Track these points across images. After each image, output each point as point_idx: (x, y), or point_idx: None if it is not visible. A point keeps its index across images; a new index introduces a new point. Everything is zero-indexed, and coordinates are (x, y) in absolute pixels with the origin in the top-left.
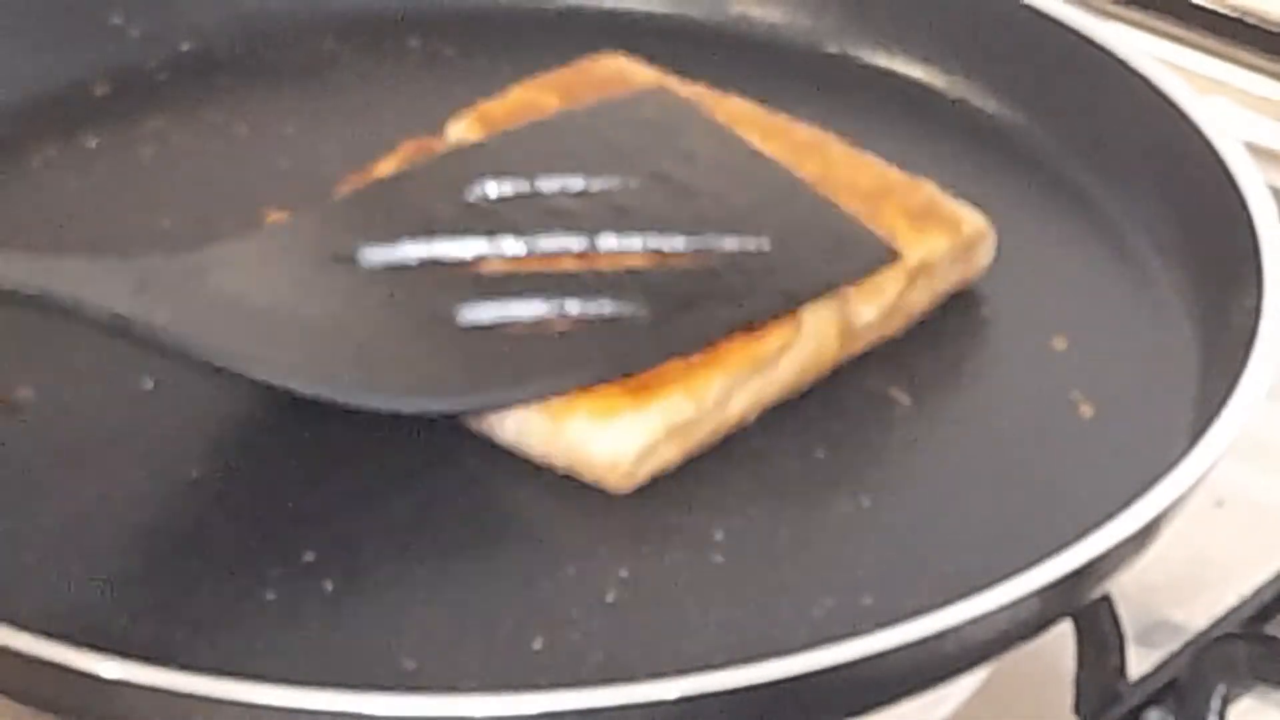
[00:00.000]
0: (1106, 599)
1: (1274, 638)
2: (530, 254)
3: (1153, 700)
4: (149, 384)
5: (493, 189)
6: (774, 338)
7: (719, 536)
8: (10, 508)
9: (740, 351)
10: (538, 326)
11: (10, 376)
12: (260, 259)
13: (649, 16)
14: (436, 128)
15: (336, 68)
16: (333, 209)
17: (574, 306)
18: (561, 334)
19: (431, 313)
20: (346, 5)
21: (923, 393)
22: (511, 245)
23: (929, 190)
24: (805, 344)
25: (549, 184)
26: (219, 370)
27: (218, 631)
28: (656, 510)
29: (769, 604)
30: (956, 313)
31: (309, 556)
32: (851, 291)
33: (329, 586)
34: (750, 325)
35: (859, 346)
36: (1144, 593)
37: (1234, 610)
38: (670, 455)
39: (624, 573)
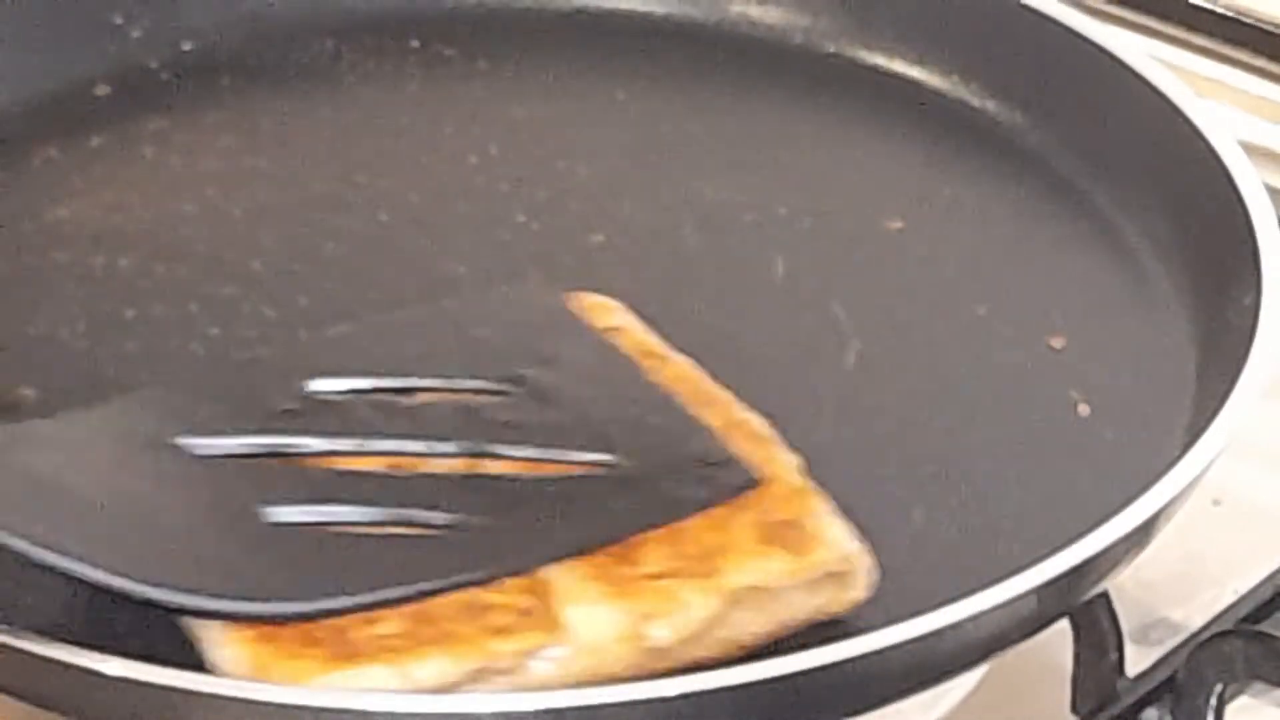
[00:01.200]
0: (1104, 597)
1: (1271, 635)
2: (365, 454)
3: (1150, 698)
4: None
5: (337, 384)
6: (517, 638)
7: None
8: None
9: (471, 641)
10: (372, 531)
11: (10, 376)
12: (78, 438)
13: (649, 16)
14: (434, 131)
15: (337, 68)
16: (156, 394)
17: (410, 513)
18: (394, 540)
19: (259, 507)
20: (347, 6)
21: (920, 390)
22: (350, 444)
23: (808, 503)
24: (574, 654)
25: (397, 381)
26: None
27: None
28: None
29: None
30: (956, 312)
31: None
32: (650, 607)
33: None
34: (588, 550)
35: (664, 666)
36: (1141, 591)
37: (1231, 608)
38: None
39: None
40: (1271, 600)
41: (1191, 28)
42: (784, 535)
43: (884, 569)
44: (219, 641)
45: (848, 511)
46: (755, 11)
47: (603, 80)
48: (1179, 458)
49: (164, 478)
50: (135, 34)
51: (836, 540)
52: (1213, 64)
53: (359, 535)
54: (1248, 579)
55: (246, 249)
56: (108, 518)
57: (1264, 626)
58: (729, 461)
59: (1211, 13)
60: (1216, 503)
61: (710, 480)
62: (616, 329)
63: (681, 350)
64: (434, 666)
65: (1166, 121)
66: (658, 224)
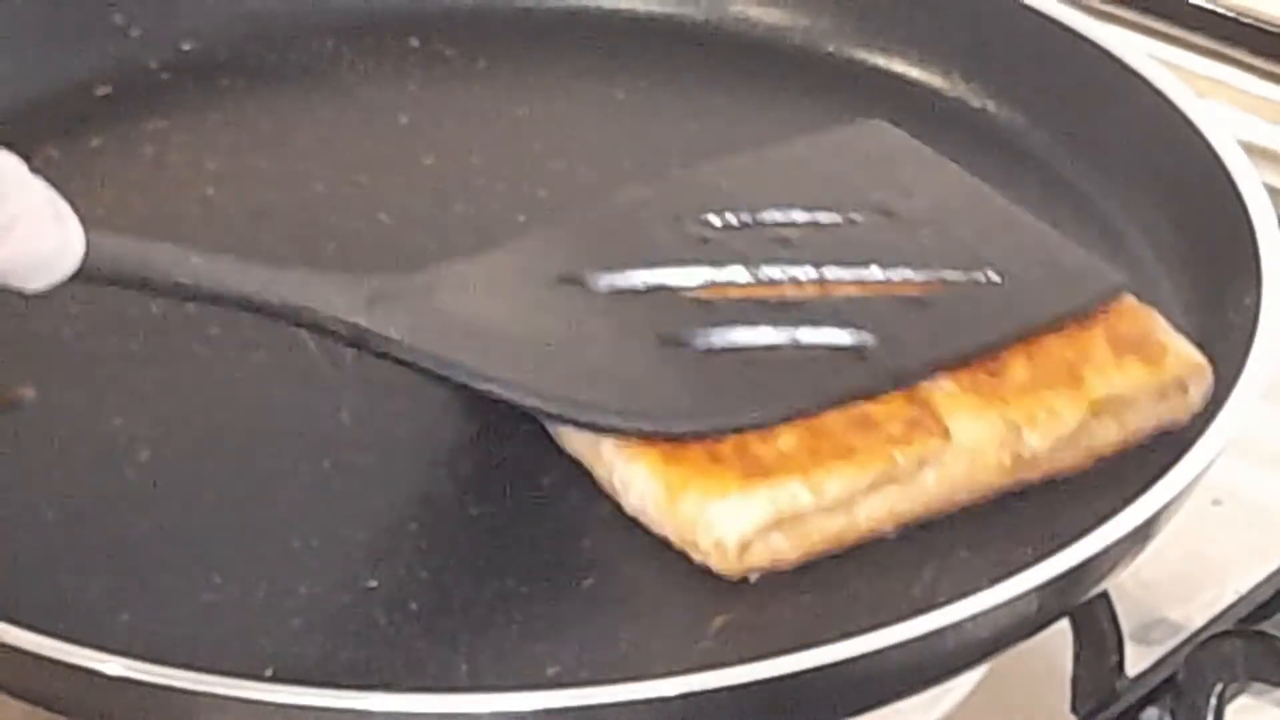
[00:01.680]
0: (1104, 597)
1: (1271, 635)
2: (757, 283)
3: (1150, 698)
4: (150, 382)
5: (716, 219)
6: (915, 447)
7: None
8: (12, 506)
9: (872, 451)
10: (768, 353)
11: (10, 376)
12: (487, 280)
13: (649, 16)
14: (434, 131)
15: (338, 68)
16: (557, 233)
17: (804, 334)
18: (791, 359)
19: (663, 337)
20: (347, 6)
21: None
22: (738, 274)
23: (1148, 318)
24: (955, 462)
25: (771, 215)
26: (460, 386)
27: (220, 629)
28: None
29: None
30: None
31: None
32: (1023, 417)
33: (369, 585)
34: (982, 356)
35: (1033, 476)
36: (1141, 591)
37: (1231, 608)
38: (783, 548)
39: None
40: (1271, 600)
41: (1191, 28)
42: (1136, 347)
43: (883, 568)
44: (631, 464)
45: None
46: (755, 11)
47: (603, 80)
48: (1179, 458)
49: (578, 312)
50: (135, 34)
51: (1183, 350)
52: (1213, 64)
53: (755, 358)
54: (1248, 579)
55: (246, 249)
56: (527, 349)
57: (1264, 627)
58: (1095, 268)
59: (1211, 13)
60: (1217, 503)
61: (1080, 285)
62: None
63: None
64: (841, 478)
65: (1166, 121)
66: None
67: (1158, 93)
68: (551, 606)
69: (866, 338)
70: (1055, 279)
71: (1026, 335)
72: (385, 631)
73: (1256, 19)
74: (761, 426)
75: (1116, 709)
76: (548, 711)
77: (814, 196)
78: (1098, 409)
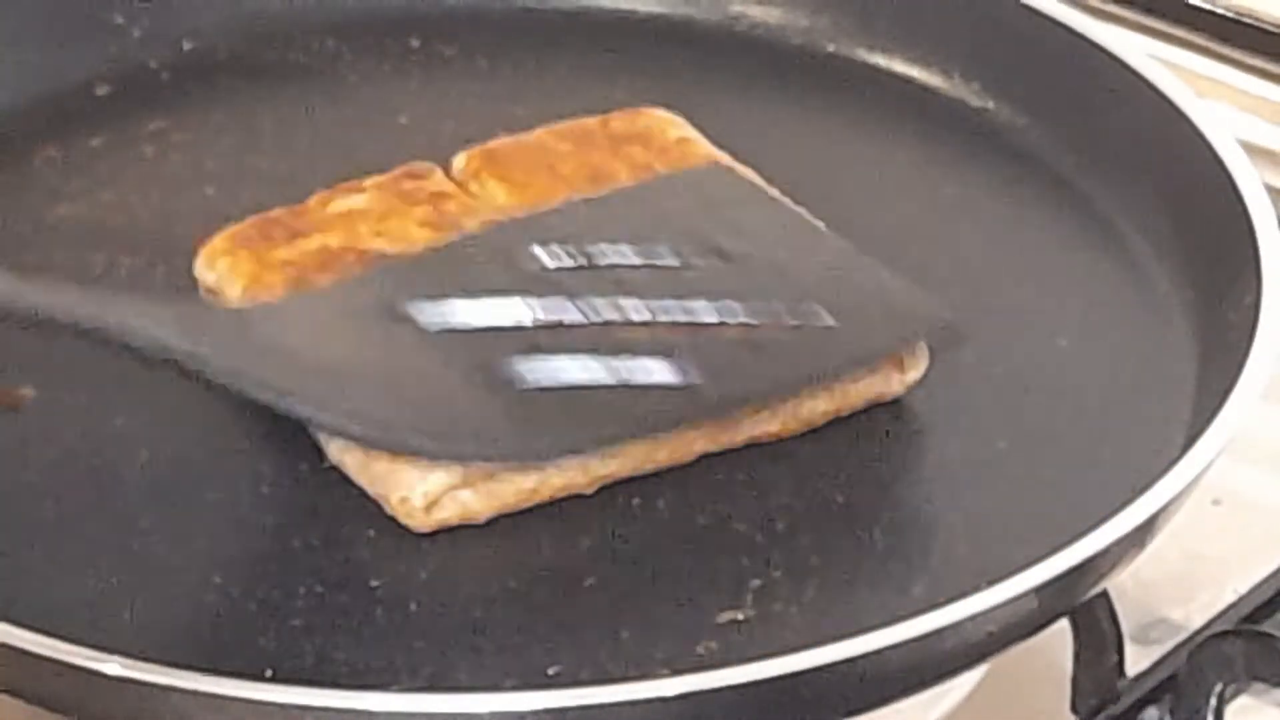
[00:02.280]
0: (1104, 597)
1: (1270, 635)
2: (586, 320)
3: (1150, 698)
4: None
5: (548, 257)
6: None
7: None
8: (13, 506)
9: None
10: (595, 389)
11: (11, 376)
12: (311, 315)
13: (649, 17)
14: (434, 131)
15: (338, 68)
16: (384, 271)
17: (631, 372)
18: (616, 392)
19: (488, 372)
20: (348, 5)
21: (920, 390)
22: (568, 311)
23: None
24: None
25: (604, 253)
26: (278, 412)
27: (220, 629)
28: None
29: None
30: (954, 312)
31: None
32: None
33: (369, 584)
34: (793, 394)
35: (735, 439)
36: (1141, 590)
37: (1231, 608)
38: (474, 506)
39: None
40: (1271, 600)
41: (1191, 27)
42: None
43: (882, 567)
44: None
45: (853, 508)
46: (755, 11)
47: (603, 80)
48: (1179, 457)
49: (396, 346)
50: (136, 34)
51: None
52: (1212, 64)
53: (581, 394)
54: (1248, 579)
55: None
56: (347, 380)
57: (1264, 626)
58: (923, 303)
59: (1211, 13)
60: (1216, 502)
61: (907, 321)
62: (686, 139)
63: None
64: None
65: (1166, 121)
66: None
67: (1158, 93)
68: (551, 606)
69: (693, 376)
70: (883, 316)
71: (853, 371)
72: (385, 631)
73: (1256, 19)
74: (577, 455)
75: (1116, 709)
76: (548, 711)
77: (648, 236)
78: None
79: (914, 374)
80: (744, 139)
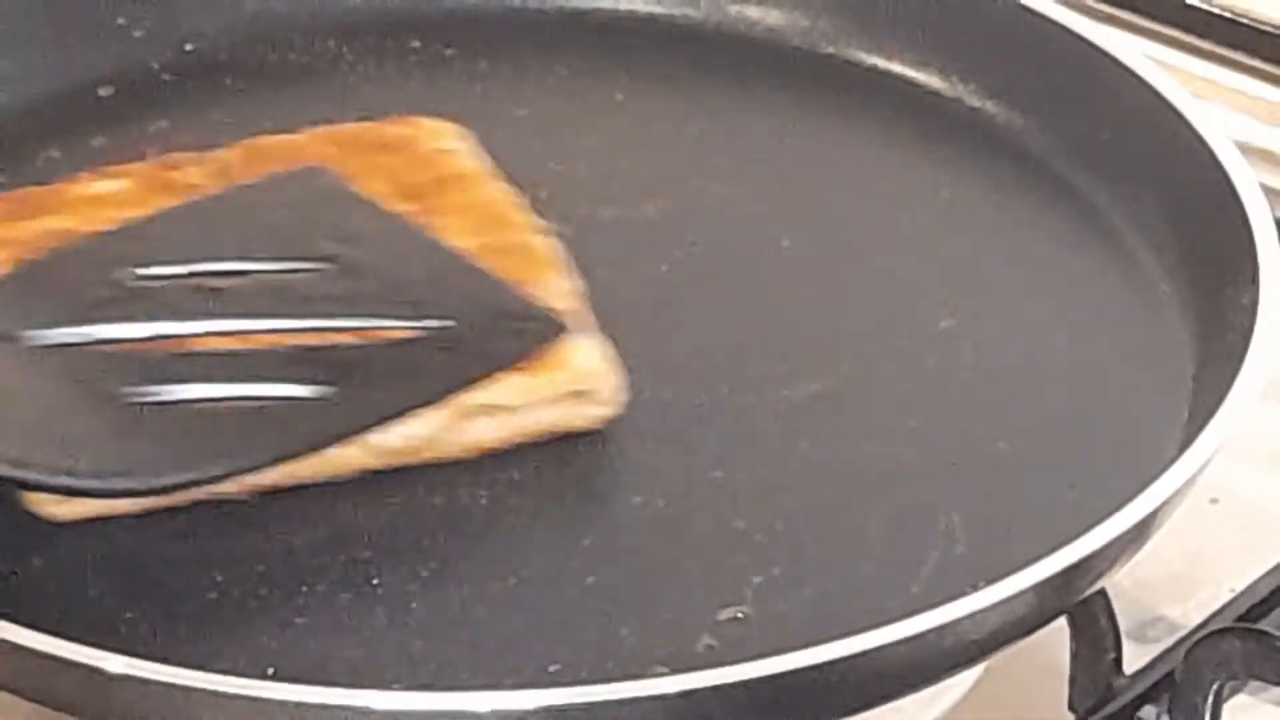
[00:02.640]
0: (1102, 595)
1: (1268, 633)
2: (194, 335)
3: (1147, 696)
4: None
5: (149, 271)
6: None
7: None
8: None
9: None
10: (210, 407)
11: None
12: None
13: (649, 17)
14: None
15: (339, 68)
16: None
17: (244, 388)
18: (233, 413)
19: (101, 391)
20: (349, 7)
21: (920, 389)
22: (175, 327)
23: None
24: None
25: (213, 265)
26: None
27: (222, 628)
28: None
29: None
30: (954, 312)
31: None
32: None
33: (371, 583)
34: (416, 410)
35: (410, 459)
36: (1139, 589)
37: (1228, 606)
38: (97, 506)
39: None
40: (1269, 598)
41: (1188, 29)
42: (529, 360)
43: (882, 566)
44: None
45: (853, 506)
46: (755, 12)
47: (603, 80)
48: (1177, 456)
49: (4, 369)
50: (137, 35)
51: (579, 363)
52: (1209, 65)
53: (199, 411)
54: (1245, 577)
55: None
56: None
57: (1261, 624)
58: (537, 313)
59: (1208, 14)
60: (1214, 501)
61: (521, 332)
62: (444, 151)
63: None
64: None
65: (1164, 122)
66: (657, 224)
67: (1155, 94)
68: (552, 605)
69: (312, 389)
70: (500, 325)
71: (474, 383)
72: (386, 630)
73: (1253, 20)
74: (204, 484)
75: (1114, 707)
76: (548, 709)
77: (257, 246)
78: (466, 413)
79: (604, 409)
80: (743, 139)
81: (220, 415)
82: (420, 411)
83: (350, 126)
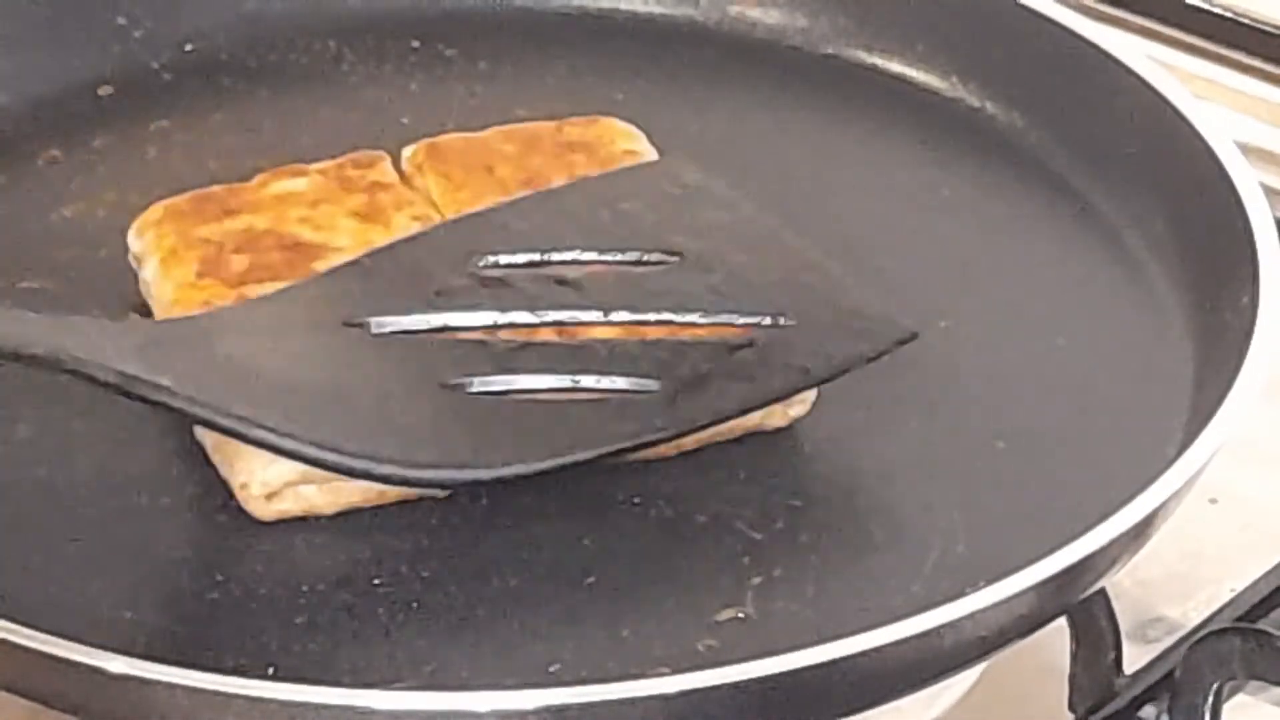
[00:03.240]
0: (1102, 595)
1: (1268, 633)
2: (541, 325)
3: (1147, 695)
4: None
5: (503, 260)
6: None
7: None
8: (16, 507)
9: None
10: (549, 397)
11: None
12: (267, 324)
13: (649, 17)
14: (435, 132)
15: (339, 69)
16: (338, 275)
17: (586, 379)
18: (573, 405)
19: (444, 381)
20: (349, 7)
21: (920, 389)
22: (523, 316)
23: None
24: None
25: (560, 257)
26: (229, 433)
27: (223, 627)
28: None
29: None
30: (953, 312)
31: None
32: None
33: (371, 583)
34: (750, 408)
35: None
36: (1139, 589)
37: (1228, 606)
38: (317, 501)
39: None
40: (1268, 598)
41: (1188, 29)
42: None
43: (882, 566)
44: None
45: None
46: (755, 12)
47: (603, 80)
48: (1176, 456)
49: (359, 356)
50: (138, 35)
51: None
52: (1210, 65)
53: (538, 402)
54: (1244, 577)
55: None
56: (303, 396)
57: (1261, 624)
58: (886, 315)
59: (1208, 14)
60: (1214, 501)
61: (866, 334)
62: (633, 153)
63: None
64: None
65: (1164, 122)
66: None
67: (1156, 94)
68: (552, 605)
69: (650, 384)
70: (845, 326)
71: (814, 383)
72: (387, 629)
73: (1254, 20)
74: (533, 475)
75: (1114, 707)
76: (549, 709)
77: (605, 237)
78: None
79: (799, 409)
80: (744, 139)
81: (550, 408)
82: (754, 412)
83: (532, 125)
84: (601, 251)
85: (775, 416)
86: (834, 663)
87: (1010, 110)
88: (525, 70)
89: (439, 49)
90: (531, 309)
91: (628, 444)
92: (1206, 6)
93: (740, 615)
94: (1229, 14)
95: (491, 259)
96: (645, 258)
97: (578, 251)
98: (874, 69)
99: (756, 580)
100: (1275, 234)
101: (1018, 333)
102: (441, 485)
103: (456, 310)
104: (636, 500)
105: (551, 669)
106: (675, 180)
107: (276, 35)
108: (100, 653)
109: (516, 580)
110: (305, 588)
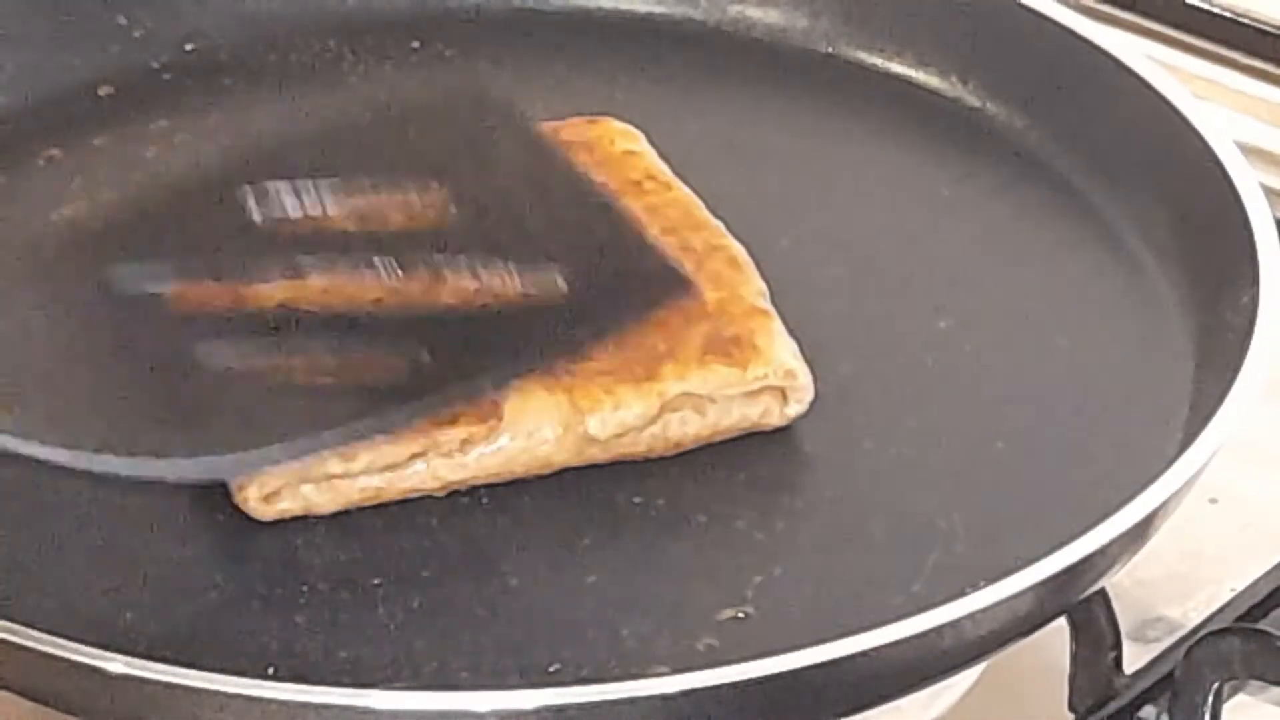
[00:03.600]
0: (1102, 595)
1: (1267, 633)
2: (312, 282)
3: (1147, 696)
4: None
5: (275, 203)
6: (460, 429)
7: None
8: (17, 507)
9: (416, 430)
10: (306, 369)
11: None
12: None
13: (649, 17)
14: None
15: (339, 69)
16: (95, 232)
17: (349, 348)
18: (329, 381)
19: (178, 351)
20: (349, 7)
21: (920, 389)
22: (284, 279)
23: (761, 321)
24: (509, 440)
25: (336, 203)
26: None
27: (222, 627)
28: None
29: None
30: (954, 312)
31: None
32: (589, 403)
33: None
34: (532, 374)
35: (604, 457)
36: (1139, 589)
37: (1228, 606)
38: (317, 501)
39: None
40: (1268, 598)
41: (1189, 29)
42: (729, 348)
43: (883, 566)
44: None
45: (848, 504)
46: (755, 12)
47: (603, 80)
48: (1176, 456)
49: (97, 324)
50: (138, 35)
51: (778, 357)
52: (1210, 65)
53: (310, 378)
54: (1244, 577)
55: None
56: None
57: (1261, 624)
58: (667, 270)
59: (1208, 14)
60: (1214, 501)
61: (648, 289)
62: (632, 153)
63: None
64: (375, 451)
65: (1164, 122)
66: None
67: (1156, 93)
68: (552, 604)
69: (432, 354)
70: (624, 285)
71: (588, 348)
72: (387, 629)
73: (1254, 20)
74: (322, 452)
75: (1114, 706)
76: (549, 708)
77: (392, 172)
78: (671, 404)
79: (797, 407)
80: (744, 139)
81: (306, 388)
82: (521, 379)
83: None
84: (382, 191)
85: (775, 416)
86: (834, 663)
87: (1010, 110)
88: (525, 70)
89: (439, 49)
90: (296, 270)
91: (402, 420)
92: (1206, 6)
93: (740, 615)
94: (1229, 14)
95: (263, 203)
96: (425, 199)
97: (350, 196)
98: (874, 69)
99: (756, 580)
100: (1275, 234)
101: (1017, 333)
102: (185, 482)
103: (221, 265)
104: (636, 500)
105: (551, 669)
106: (475, 112)
107: (276, 35)
108: (100, 653)
109: (516, 580)
110: (305, 588)
